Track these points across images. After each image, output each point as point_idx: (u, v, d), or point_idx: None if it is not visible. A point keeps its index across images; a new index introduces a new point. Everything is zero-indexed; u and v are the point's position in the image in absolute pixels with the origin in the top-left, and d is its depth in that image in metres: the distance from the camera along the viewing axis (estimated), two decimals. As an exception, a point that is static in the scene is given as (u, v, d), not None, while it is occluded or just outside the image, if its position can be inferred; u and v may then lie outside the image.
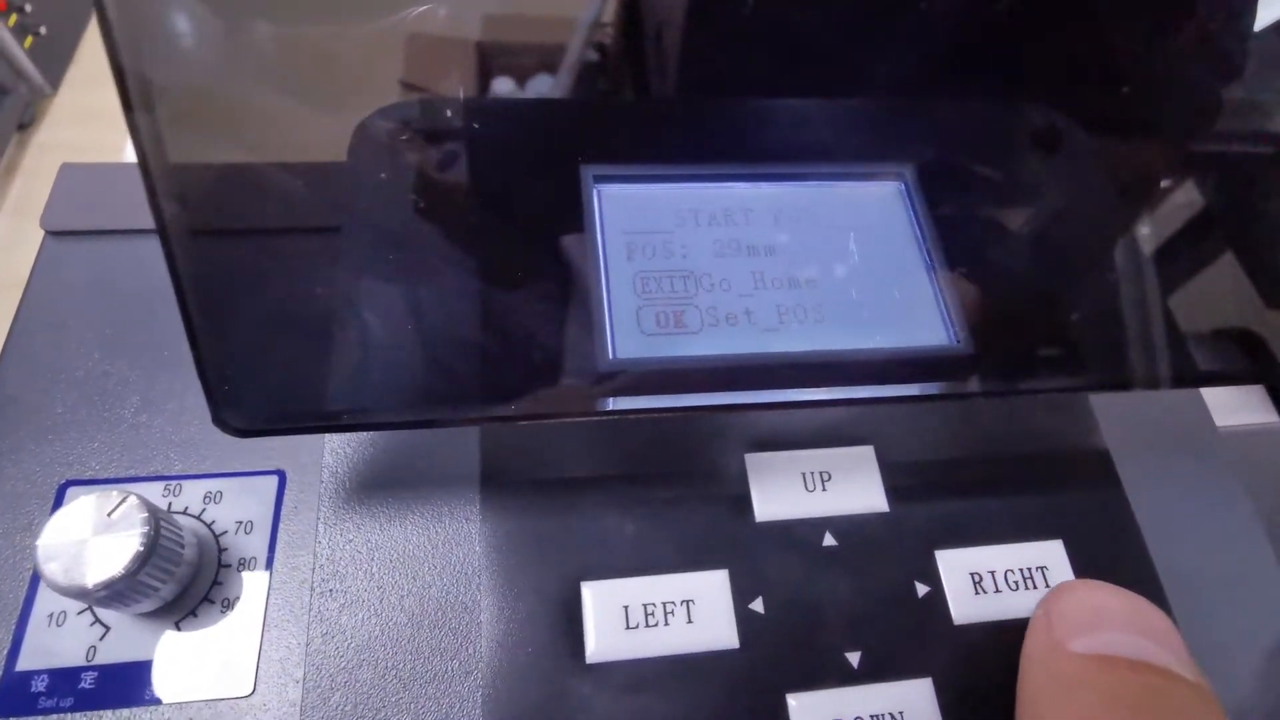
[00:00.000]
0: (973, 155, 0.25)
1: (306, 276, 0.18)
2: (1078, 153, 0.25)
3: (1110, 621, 0.18)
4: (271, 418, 0.17)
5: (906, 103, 0.25)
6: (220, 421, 0.17)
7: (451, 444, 0.21)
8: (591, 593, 0.20)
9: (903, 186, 0.24)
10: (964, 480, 0.22)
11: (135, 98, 0.13)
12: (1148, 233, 0.24)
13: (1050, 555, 0.21)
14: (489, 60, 0.27)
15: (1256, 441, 0.25)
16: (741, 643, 0.19)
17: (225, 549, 0.22)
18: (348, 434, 0.21)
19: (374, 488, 0.21)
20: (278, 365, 0.17)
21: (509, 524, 0.20)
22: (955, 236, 0.23)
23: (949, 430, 0.23)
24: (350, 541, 0.20)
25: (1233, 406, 0.25)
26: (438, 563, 0.20)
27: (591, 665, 0.19)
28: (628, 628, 0.19)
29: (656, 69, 0.28)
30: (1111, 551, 0.22)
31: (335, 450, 0.21)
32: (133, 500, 0.19)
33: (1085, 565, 0.21)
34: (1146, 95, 0.26)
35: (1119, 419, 0.24)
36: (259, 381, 0.17)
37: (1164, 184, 0.25)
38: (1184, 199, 0.25)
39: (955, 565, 0.20)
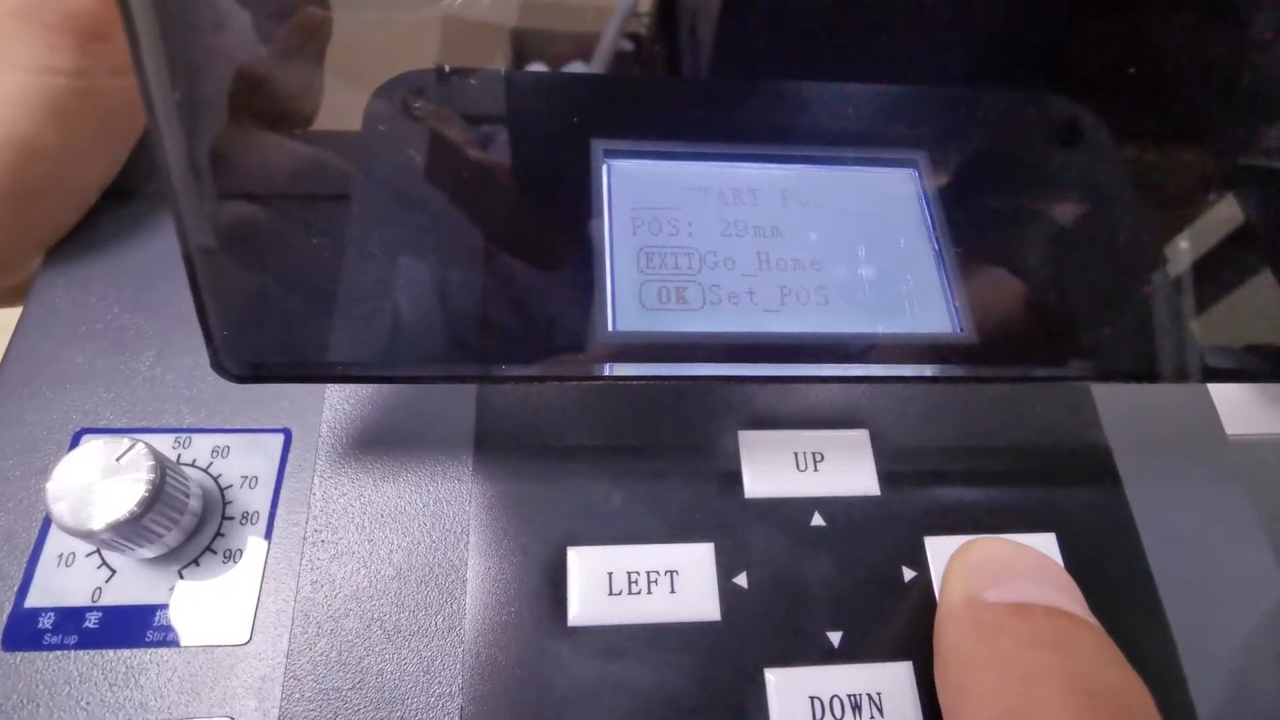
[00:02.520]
0: (988, 145, 0.25)
1: (312, 233, 0.19)
2: (1097, 147, 0.25)
3: (1018, 573, 0.19)
4: (269, 366, 0.18)
5: (923, 89, 0.25)
6: (218, 367, 0.17)
7: (448, 406, 0.22)
8: (577, 557, 0.20)
9: (916, 173, 0.24)
10: (958, 469, 0.22)
11: (147, 58, 0.14)
12: (1163, 230, 0.24)
13: (1042, 548, 0.21)
14: (524, 46, 0.27)
15: (1267, 451, 0.24)
16: (723, 616, 0.20)
17: (230, 502, 0.22)
18: (347, 392, 0.22)
19: (370, 444, 0.21)
20: (278, 315, 0.18)
21: (500, 486, 0.21)
22: (966, 225, 0.23)
23: (946, 418, 0.23)
24: (344, 495, 0.21)
25: (1245, 414, 0.24)
26: (428, 520, 0.20)
27: (572, 628, 0.19)
28: (610, 594, 0.19)
29: (690, 58, 0.28)
30: (1106, 549, 0.21)
31: (334, 406, 0.22)
32: (141, 447, 0.20)
33: (1077, 560, 0.21)
34: (1169, 91, 0.25)
35: (1123, 418, 0.23)
36: (258, 330, 0.18)
37: (1182, 182, 0.25)
38: (1201, 197, 0.24)
39: (944, 553, 0.20)
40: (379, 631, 0.19)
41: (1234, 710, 0.20)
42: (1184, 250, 0.23)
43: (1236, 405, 0.25)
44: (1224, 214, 0.24)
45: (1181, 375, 0.21)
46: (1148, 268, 0.23)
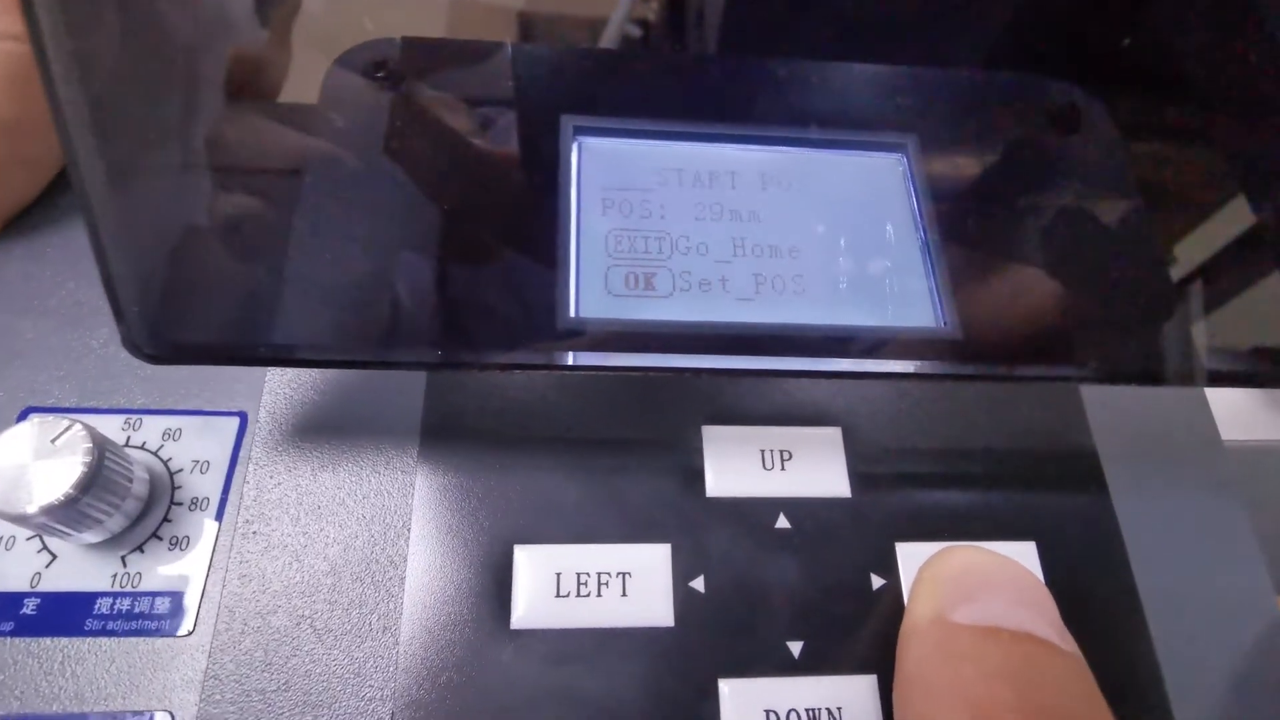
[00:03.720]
0: (982, 131, 0.24)
1: (245, 205, 0.18)
2: (1098, 137, 0.24)
3: (991, 590, 0.18)
4: (190, 347, 0.17)
5: (915, 71, 0.24)
6: (131, 345, 0.16)
7: (395, 392, 0.21)
8: (524, 556, 0.19)
9: (904, 158, 0.23)
10: (935, 472, 0.21)
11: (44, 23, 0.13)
12: (1165, 226, 0.23)
13: (1021, 558, 0.20)
14: (531, 30, 0.26)
15: (1265, 459, 0.23)
16: (677, 621, 0.19)
17: (179, 487, 0.21)
18: (288, 375, 0.21)
19: (310, 431, 0.21)
20: (199, 290, 0.17)
21: (445, 478, 0.20)
22: (956, 215, 0.22)
23: (925, 418, 0.22)
24: (279, 485, 0.20)
25: (1242, 419, 0.23)
26: (367, 513, 0.20)
27: (516, 631, 0.18)
28: (558, 595, 0.18)
29: (697, 44, 0.27)
30: (1089, 560, 0.20)
31: (274, 390, 0.21)
32: (78, 428, 0.19)
33: (1058, 572, 0.20)
34: (1179, 83, 0.24)
35: (1113, 421, 0.22)
36: (177, 306, 0.17)
37: (1189, 176, 0.24)
38: (1207, 193, 0.23)
39: (917, 560, 0.19)
40: (309, 630, 0.18)
41: None
42: (1187, 248, 0.22)
43: (1234, 410, 0.24)
44: (1229, 211, 0.23)
45: (1178, 378, 0.20)
46: (1146, 265, 0.22)
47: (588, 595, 0.18)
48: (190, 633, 0.19)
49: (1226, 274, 0.21)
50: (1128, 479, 0.21)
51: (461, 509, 0.19)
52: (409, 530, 0.19)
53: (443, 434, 0.20)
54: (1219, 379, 0.20)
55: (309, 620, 0.18)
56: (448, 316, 0.18)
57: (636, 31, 0.28)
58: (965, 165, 0.23)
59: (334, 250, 0.18)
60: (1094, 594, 0.20)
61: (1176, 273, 0.22)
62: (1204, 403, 0.23)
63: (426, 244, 0.19)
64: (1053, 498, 0.21)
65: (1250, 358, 0.20)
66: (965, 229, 0.22)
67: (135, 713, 0.19)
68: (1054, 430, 0.22)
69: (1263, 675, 0.20)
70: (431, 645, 0.18)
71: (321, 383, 0.21)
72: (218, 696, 0.17)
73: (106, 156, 0.14)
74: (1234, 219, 0.23)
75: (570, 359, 0.18)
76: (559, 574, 0.19)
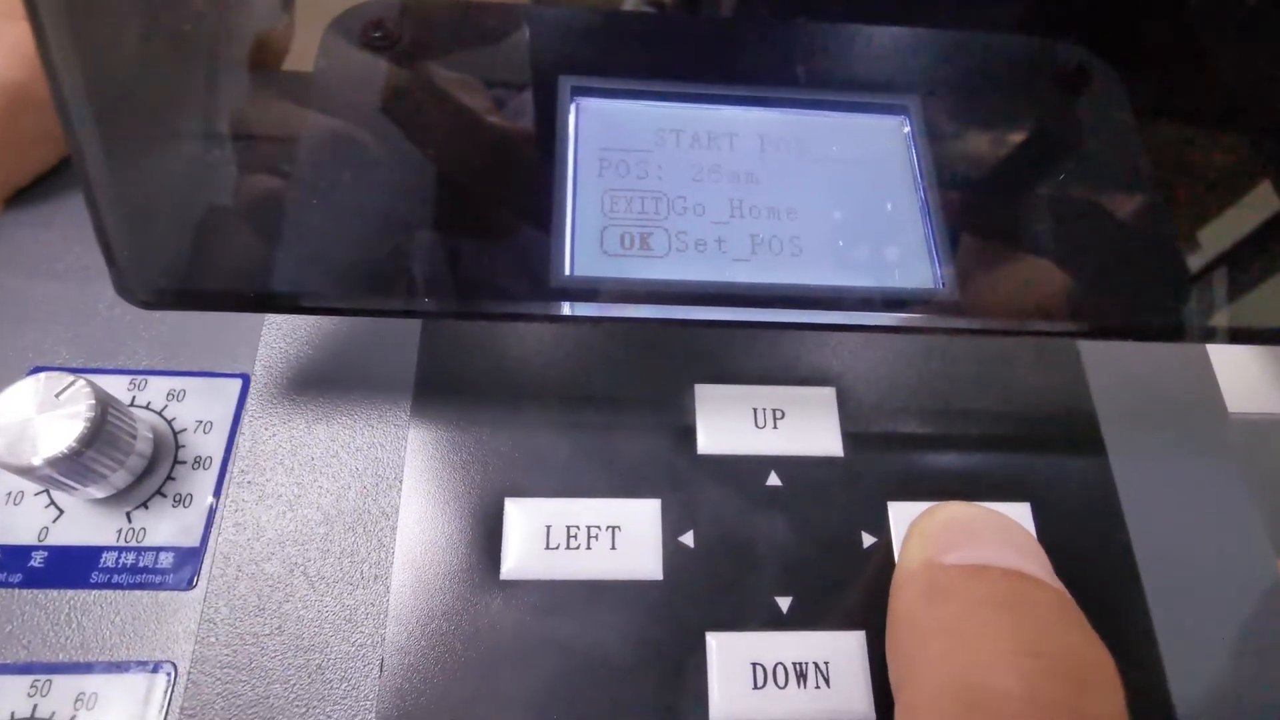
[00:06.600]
0: (986, 93, 0.23)
1: (244, 162, 0.18)
2: (1106, 97, 0.23)
3: (981, 537, 0.18)
4: (184, 292, 0.17)
5: (918, 31, 0.24)
6: (124, 290, 0.16)
7: (390, 347, 0.21)
8: (515, 509, 0.19)
9: (906, 120, 0.23)
10: (929, 432, 0.21)
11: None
12: (1168, 187, 0.22)
13: (1016, 518, 0.19)
14: (545, 4, 0.26)
15: (1271, 431, 0.23)
16: (665, 575, 0.19)
17: (183, 446, 0.22)
18: (285, 329, 0.21)
19: (305, 384, 0.21)
20: (195, 236, 0.17)
21: (438, 431, 0.20)
22: (957, 177, 0.22)
23: (919, 378, 0.22)
24: (274, 436, 0.20)
25: (1251, 390, 0.23)
26: (360, 464, 0.20)
27: (505, 582, 0.18)
28: (547, 547, 0.19)
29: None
30: (1084, 522, 0.20)
31: (270, 345, 0.21)
32: (81, 384, 0.19)
33: (1053, 533, 0.20)
34: (1194, 52, 0.23)
35: (1114, 385, 0.22)
36: (171, 252, 0.17)
37: (1195, 138, 0.23)
38: (1212, 154, 0.22)
39: (908, 518, 0.19)
40: (301, 577, 0.18)
41: (1211, 697, 0.19)
42: (1186, 210, 0.22)
43: (1243, 380, 0.23)
44: (1231, 173, 0.22)
45: (1173, 334, 0.19)
46: (1145, 227, 0.21)
47: (577, 548, 0.19)
48: (193, 587, 0.20)
49: (1226, 235, 0.21)
50: (1127, 443, 0.21)
51: (453, 462, 0.20)
52: (401, 482, 0.19)
53: (436, 389, 0.20)
54: (1212, 336, 0.19)
55: (302, 568, 0.19)
56: (442, 269, 0.18)
57: (652, 11, 0.28)
58: (968, 127, 0.23)
59: (329, 203, 0.18)
60: (1088, 556, 0.20)
61: (1174, 234, 0.21)
62: (1210, 370, 0.23)
63: (423, 201, 0.19)
64: (1049, 459, 0.21)
65: (1248, 315, 0.20)
66: (966, 191, 0.22)
67: (139, 662, 0.19)
68: (1052, 393, 0.22)
69: (1259, 639, 0.19)
70: (422, 594, 0.18)
71: (317, 339, 0.21)
72: (212, 639, 0.18)
73: (98, 108, 0.14)
74: (1236, 181, 0.22)
75: (558, 310, 0.18)
76: (549, 526, 0.19)
